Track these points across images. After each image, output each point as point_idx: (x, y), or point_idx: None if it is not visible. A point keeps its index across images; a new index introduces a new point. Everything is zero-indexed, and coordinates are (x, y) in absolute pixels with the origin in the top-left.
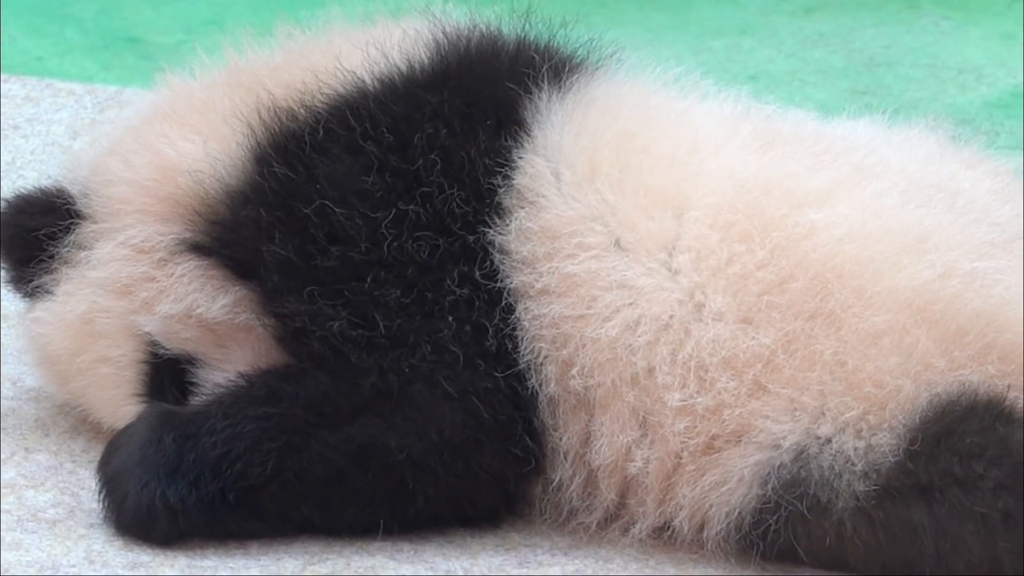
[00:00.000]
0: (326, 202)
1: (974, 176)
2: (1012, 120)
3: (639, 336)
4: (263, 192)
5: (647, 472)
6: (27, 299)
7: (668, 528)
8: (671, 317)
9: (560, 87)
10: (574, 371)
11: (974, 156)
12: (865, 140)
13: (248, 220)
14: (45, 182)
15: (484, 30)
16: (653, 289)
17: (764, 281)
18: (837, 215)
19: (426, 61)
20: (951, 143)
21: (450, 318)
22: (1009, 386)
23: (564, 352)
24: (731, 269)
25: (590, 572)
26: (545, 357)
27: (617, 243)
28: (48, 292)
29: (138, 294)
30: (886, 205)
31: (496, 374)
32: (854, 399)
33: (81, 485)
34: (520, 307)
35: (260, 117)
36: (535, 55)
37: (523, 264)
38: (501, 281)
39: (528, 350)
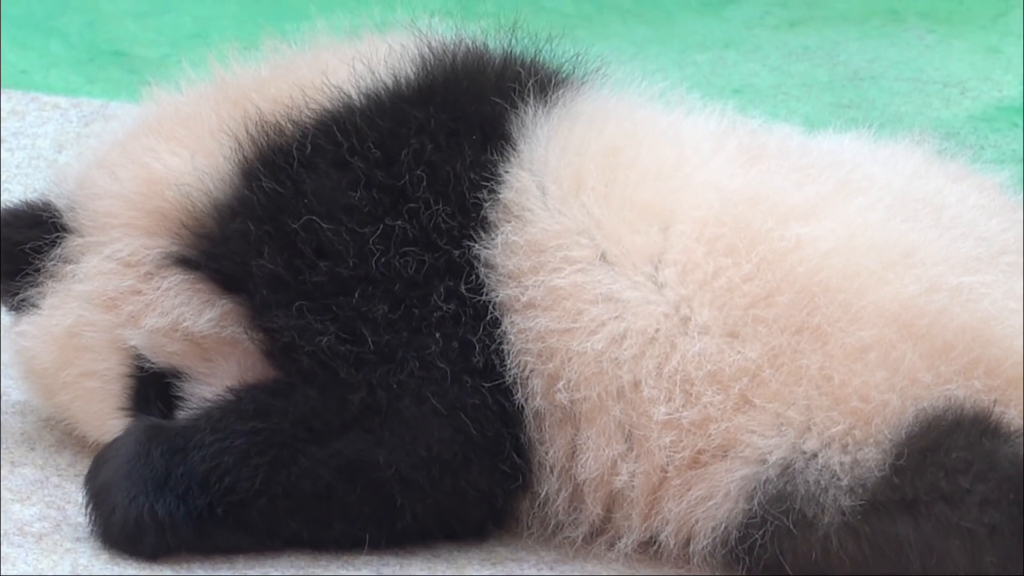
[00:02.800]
0: (314, 217)
1: (960, 190)
2: (996, 134)
3: (625, 350)
4: (252, 206)
5: (632, 486)
6: (13, 312)
7: (654, 543)
8: (657, 331)
9: (546, 102)
10: (560, 385)
11: (960, 170)
12: (851, 155)
13: (236, 233)
14: (31, 196)
15: (470, 45)
16: (639, 302)
17: (750, 294)
18: (823, 229)
19: (412, 76)
20: (937, 157)
21: (437, 334)
22: (995, 400)
23: (550, 366)
24: (717, 282)
25: None
26: (531, 371)
27: (603, 257)
28: (34, 305)
29: (124, 308)
30: (872, 219)
31: (483, 390)
32: (840, 414)
33: (67, 499)
34: (506, 321)
35: (247, 131)
36: (521, 70)
37: (509, 278)
38: (487, 295)
39: (514, 364)
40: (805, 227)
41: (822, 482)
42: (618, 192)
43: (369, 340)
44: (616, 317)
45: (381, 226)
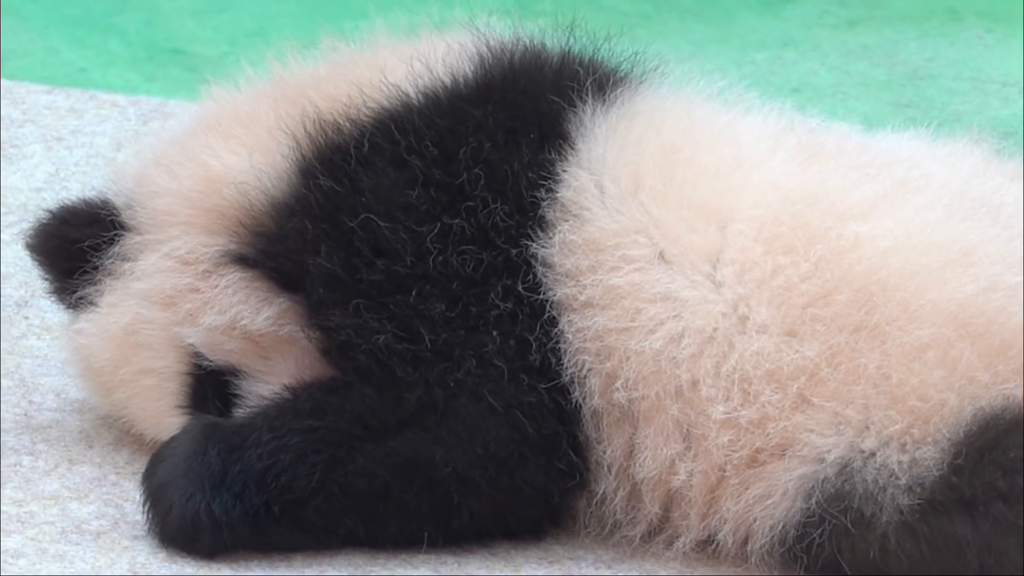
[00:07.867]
0: (371, 215)
1: (1018, 190)
2: None
3: (683, 349)
4: (309, 204)
5: (691, 485)
6: (71, 310)
7: (712, 542)
8: (715, 330)
9: (604, 100)
10: (618, 384)
11: (1018, 170)
12: (909, 153)
13: (293, 232)
14: (89, 194)
15: (528, 43)
16: (697, 301)
17: (808, 293)
18: (881, 228)
19: (470, 75)
20: (995, 157)
21: (494, 332)
22: None
23: (608, 365)
24: (775, 281)
25: None
26: (589, 370)
27: (661, 255)
28: (92, 303)
29: (182, 306)
30: (930, 218)
31: (540, 388)
32: (898, 413)
33: (125, 497)
34: (564, 320)
35: (305, 130)
36: (579, 68)
37: (567, 277)
38: (544, 294)
39: (572, 363)
40: (863, 226)
41: (880, 481)
42: (676, 191)
43: (426, 338)
44: (674, 316)
45: (439, 224)
